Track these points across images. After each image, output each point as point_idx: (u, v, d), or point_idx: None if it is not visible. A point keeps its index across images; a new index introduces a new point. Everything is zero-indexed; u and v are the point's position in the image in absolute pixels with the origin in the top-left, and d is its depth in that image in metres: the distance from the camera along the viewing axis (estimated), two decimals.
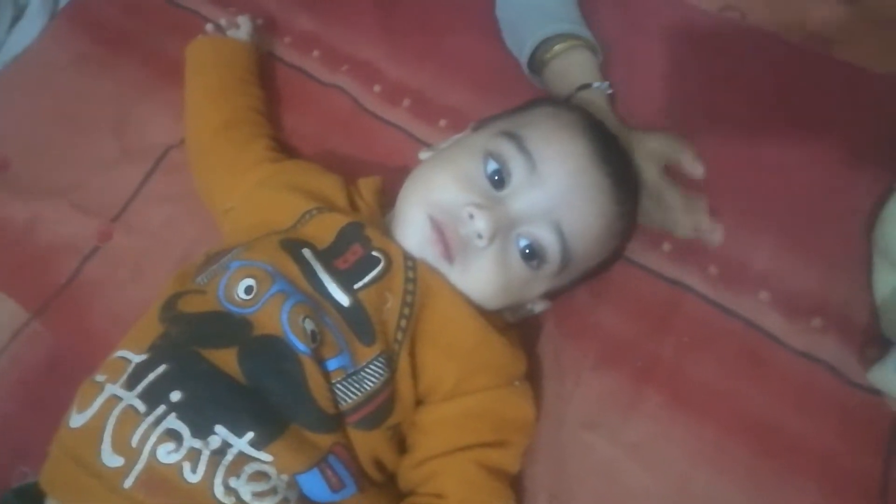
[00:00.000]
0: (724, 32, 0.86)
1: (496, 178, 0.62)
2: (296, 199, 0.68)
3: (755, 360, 0.68)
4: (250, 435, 0.53)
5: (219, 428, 0.53)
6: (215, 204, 0.77)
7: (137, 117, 0.89)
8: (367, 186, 0.73)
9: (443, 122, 0.86)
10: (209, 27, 0.89)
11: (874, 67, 0.80)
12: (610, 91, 0.79)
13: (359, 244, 0.62)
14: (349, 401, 0.58)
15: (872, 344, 0.67)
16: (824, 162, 0.76)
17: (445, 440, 0.61)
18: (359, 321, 0.59)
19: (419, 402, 0.63)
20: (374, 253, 0.61)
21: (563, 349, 0.72)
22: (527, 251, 0.62)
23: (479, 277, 0.62)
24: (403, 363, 0.60)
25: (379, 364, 0.59)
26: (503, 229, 0.61)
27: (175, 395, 0.53)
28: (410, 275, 0.61)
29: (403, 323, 0.60)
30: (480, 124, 0.71)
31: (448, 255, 0.61)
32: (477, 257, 0.62)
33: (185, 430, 0.52)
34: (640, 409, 0.68)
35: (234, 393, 0.54)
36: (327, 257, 0.62)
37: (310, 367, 0.56)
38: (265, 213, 0.69)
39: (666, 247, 0.74)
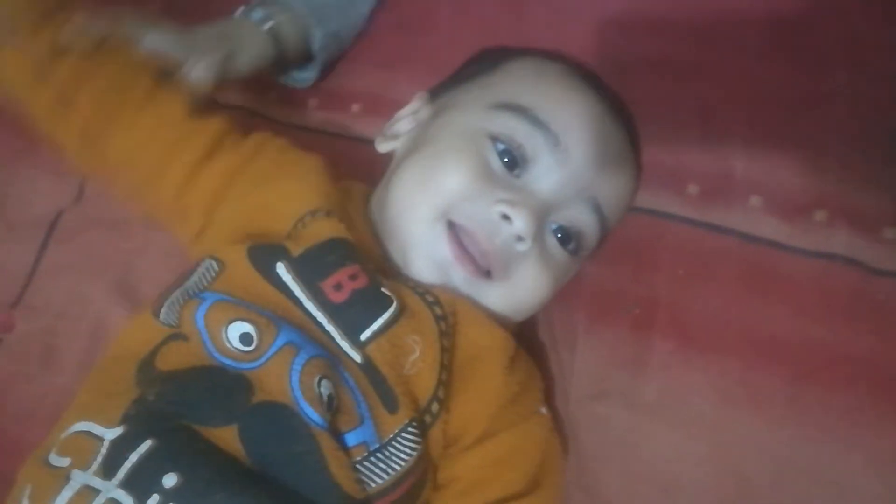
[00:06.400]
0: None
1: (505, 160, 0.53)
2: (289, 199, 0.54)
3: (762, 275, 0.61)
4: None
5: None
6: (174, 221, 0.61)
7: (19, 188, 0.79)
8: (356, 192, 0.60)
9: (355, 108, 0.77)
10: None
11: None
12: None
13: (357, 266, 0.50)
14: (375, 485, 0.46)
15: (891, 223, 0.60)
16: (789, 45, 0.68)
17: (468, 498, 0.50)
18: (376, 381, 0.48)
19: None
20: (383, 289, 0.49)
21: (553, 315, 0.64)
22: (559, 235, 0.54)
23: (528, 286, 0.53)
24: (438, 429, 0.49)
25: (409, 436, 0.47)
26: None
27: (169, 480, 0.41)
28: (438, 311, 0.49)
29: (444, 376, 0.49)
30: (439, 92, 0.62)
31: (480, 272, 0.52)
32: (519, 264, 0.53)
33: None
34: (650, 362, 0.60)
35: (242, 476, 0.42)
36: (308, 276, 0.49)
37: (327, 445, 0.44)
38: (256, 220, 0.55)
39: None
